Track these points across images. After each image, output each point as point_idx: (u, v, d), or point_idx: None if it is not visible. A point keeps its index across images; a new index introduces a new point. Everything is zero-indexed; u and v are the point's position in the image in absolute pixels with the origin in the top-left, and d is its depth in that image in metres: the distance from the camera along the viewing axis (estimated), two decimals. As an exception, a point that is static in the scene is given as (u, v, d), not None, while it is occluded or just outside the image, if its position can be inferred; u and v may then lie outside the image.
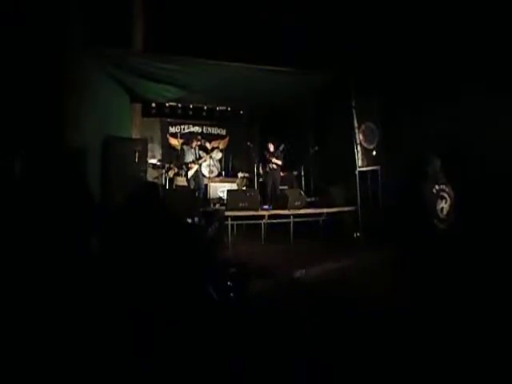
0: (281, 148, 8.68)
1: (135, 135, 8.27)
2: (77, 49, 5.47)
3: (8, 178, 4.38)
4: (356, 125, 7.48)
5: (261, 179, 9.11)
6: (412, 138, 6.32)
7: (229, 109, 10.92)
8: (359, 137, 7.48)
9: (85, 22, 5.66)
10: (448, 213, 3.09)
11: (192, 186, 8.44)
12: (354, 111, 7.45)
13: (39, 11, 4.63)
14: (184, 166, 8.62)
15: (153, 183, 5.50)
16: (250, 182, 9.77)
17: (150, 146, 8.97)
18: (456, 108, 5.89)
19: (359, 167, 7.48)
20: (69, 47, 5.32)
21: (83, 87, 5.67)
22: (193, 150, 8.82)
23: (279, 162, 8.72)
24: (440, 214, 3.08)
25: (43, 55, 4.78)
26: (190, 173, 8.58)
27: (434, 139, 5.78)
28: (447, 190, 3.10)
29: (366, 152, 7.51)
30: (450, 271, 3.34)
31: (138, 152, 6.52)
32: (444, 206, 3.07)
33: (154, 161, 9.08)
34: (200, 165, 8.79)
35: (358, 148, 7.49)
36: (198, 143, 9.13)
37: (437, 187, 3.07)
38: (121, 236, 3.27)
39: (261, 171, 9.01)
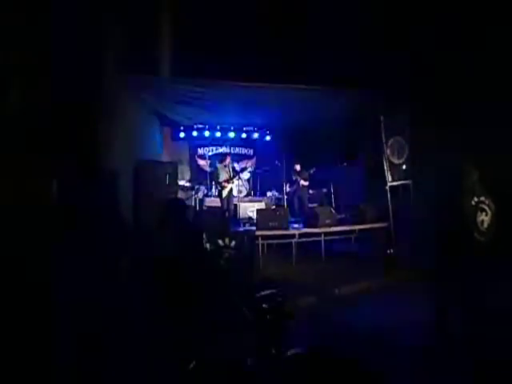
0: (312, 171, 8.66)
1: (165, 158, 8.47)
2: (108, 75, 5.68)
3: (44, 204, 4.50)
4: (384, 140, 7.39)
5: (286, 198, 9.10)
6: (444, 150, 6.17)
7: (256, 129, 11.05)
8: (387, 151, 7.38)
9: (116, 49, 5.88)
10: (489, 225, 2.98)
11: (225, 207, 8.46)
12: (382, 126, 7.38)
13: (77, 37, 4.85)
14: (218, 185, 8.66)
15: (179, 199, 5.55)
16: (278, 200, 9.76)
17: (179, 168, 9.14)
18: (490, 116, 5.74)
19: (389, 182, 7.35)
20: (101, 73, 5.53)
21: (114, 111, 5.86)
22: (227, 169, 8.85)
23: (306, 184, 8.71)
24: (480, 227, 2.97)
25: (76, 80, 4.96)
26: (225, 192, 8.56)
27: (468, 151, 5.62)
28: (487, 202, 3.00)
29: (395, 167, 7.39)
30: (493, 287, 3.20)
31: (169, 175, 6.65)
32: (484, 218, 2.97)
33: (183, 182, 9.22)
34: (233, 183, 8.82)
35: (387, 163, 7.39)
36: (230, 161, 9.19)
37: (476, 199, 2.97)
38: (152, 258, 3.31)
39: (288, 189, 9.01)
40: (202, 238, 3.90)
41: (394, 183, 7.38)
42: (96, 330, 3.10)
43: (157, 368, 2.62)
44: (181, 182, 9.10)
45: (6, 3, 3.98)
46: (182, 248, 3.22)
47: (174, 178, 6.94)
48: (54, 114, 4.62)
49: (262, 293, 3.19)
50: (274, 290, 3.39)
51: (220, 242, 6.37)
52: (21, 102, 4.19)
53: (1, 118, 3.95)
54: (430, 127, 6.86)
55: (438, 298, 3.45)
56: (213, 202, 8.99)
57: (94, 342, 3.01)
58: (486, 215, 2.96)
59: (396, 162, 7.38)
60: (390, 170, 7.38)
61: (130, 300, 3.31)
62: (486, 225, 2.97)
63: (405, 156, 7.39)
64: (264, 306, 2.95)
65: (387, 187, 7.34)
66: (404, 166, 7.37)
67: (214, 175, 9.02)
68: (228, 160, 9.02)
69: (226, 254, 5.78)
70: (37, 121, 4.32)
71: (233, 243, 6.43)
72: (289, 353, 2.43)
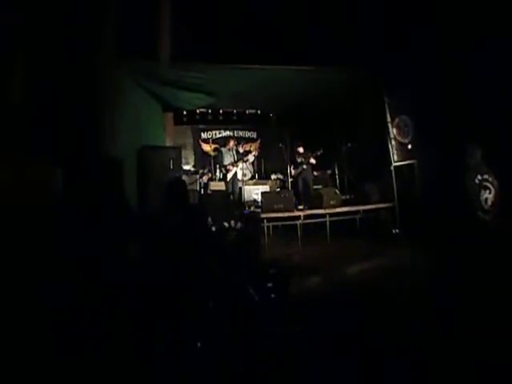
0: (319, 153, 8.62)
1: (169, 143, 8.45)
2: (109, 62, 5.66)
3: (50, 191, 4.54)
4: (389, 119, 7.33)
5: (291, 180, 9.10)
6: (448, 129, 6.09)
7: (258, 112, 11.00)
8: (393, 131, 7.34)
9: (116, 36, 5.84)
10: (493, 203, 2.98)
11: (230, 190, 8.49)
12: (386, 106, 7.31)
13: (76, 26, 4.83)
14: (223, 169, 8.68)
15: (179, 178, 5.57)
16: (282, 183, 9.77)
17: (183, 152, 9.14)
18: (494, 95, 5.65)
19: (394, 162, 7.32)
20: (102, 61, 5.51)
21: (117, 99, 5.86)
22: (231, 152, 8.85)
23: (313, 163, 8.67)
24: (484, 205, 2.97)
25: (78, 69, 4.95)
26: (229, 175, 8.59)
27: (472, 129, 5.54)
28: (490, 179, 2.99)
29: (401, 146, 7.34)
30: (496, 266, 3.21)
31: (173, 160, 6.64)
32: (488, 196, 2.96)
33: (188, 167, 9.24)
34: (237, 167, 8.83)
35: (393, 142, 7.35)
36: (235, 144, 9.18)
37: (479, 177, 2.96)
38: (159, 238, 3.35)
39: (293, 172, 8.99)
40: (206, 218, 3.93)
41: (399, 163, 7.35)
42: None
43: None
44: (185, 167, 9.12)
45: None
46: (185, 228, 3.26)
47: (178, 162, 6.94)
48: (55, 103, 4.62)
49: (267, 272, 3.24)
50: (278, 270, 3.44)
51: (226, 224, 6.43)
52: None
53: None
54: (435, 105, 6.77)
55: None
56: (217, 185, 9.00)
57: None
58: (490, 193, 2.96)
59: (402, 141, 7.33)
60: (396, 150, 7.34)
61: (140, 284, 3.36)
62: (489, 202, 2.97)
63: (410, 135, 7.32)
64: (269, 285, 3.00)
65: (392, 167, 7.32)
66: (409, 146, 7.31)
67: (218, 159, 9.02)
68: (232, 143, 9.00)
69: (232, 236, 5.83)
70: (41, 111, 4.34)
71: (238, 225, 6.49)
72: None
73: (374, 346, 2.73)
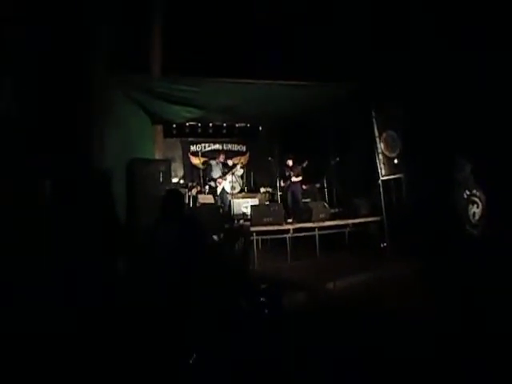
0: (304, 165, 8.69)
1: (158, 156, 8.44)
2: (100, 75, 5.66)
3: (38, 203, 4.49)
4: (377, 134, 7.44)
5: (280, 193, 9.13)
6: (436, 144, 6.19)
7: (248, 125, 11.07)
8: (381, 146, 7.43)
9: (107, 49, 5.86)
10: (480, 218, 3.03)
11: (219, 203, 8.49)
12: (374, 121, 7.42)
13: (68, 38, 4.83)
14: (212, 182, 8.69)
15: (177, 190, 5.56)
16: (272, 196, 9.79)
17: (172, 165, 9.12)
18: (481, 111, 5.77)
19: (382, 176, 7.40)
20: (92, 74, 5.51)
21: (106, 111, 5.84)
22: (219, 166, 8.87)
23: (298, 179, 8.75)
24: (472, 220, 3.03)
25: (68, 81, 4.94)
26: (219, 189, 8.60)
27: (460, 145, 5.63)
28: (478, 194, 3.05)
29: (388, 161, 7.44)
30: (484, 278, 3.25)
31: (162, 172, 6.63)
32: (476, 210, 3.02)
33: (177, 180, 9.21)
34: (226, 180, 8.86)
35: (380, 157, 7.43)
36: (224, 157, 9.22)
37: (467, 192, 3.02)
38: (152, 252, 3.33)
39: (282, 184, 9.04)
40: (202, 230, 3.90)
41: (387, 177, 7.43)
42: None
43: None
44: (174, 180, 9.08)
45: None
46: (183, 239, 3.24)
47: (168, 175, 6.92)
48: (45, 114, 4.60)
49: (259, 287, 3.23)
50: (269, 285, 3.43)
51: (215, 237, 6.40)
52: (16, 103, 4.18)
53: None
54: (423, 120, 6.88)
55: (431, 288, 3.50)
56: (206, 198, 8.98)
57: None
58: (478, 207, 3.01)
59: (389, 155, 7.42)
60: (383, 164, 7.43)
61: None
62: (477, 217, 3.02)
63: (398, 150, 7.43)
64: (262, 299, 2.99)
65: (379, 181, 7.40)
66: (396, 160, 7.41)
67: (206, 172, 9.02)
68: (221, 156, 9.03)
69: (221, 249, 5.81)
70: (31, 122, 4.31)
71: (228, 238, 6.47)
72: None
73: (368, 358, 2.74)
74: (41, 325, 3.05)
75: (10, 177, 3.92)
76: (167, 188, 5.93)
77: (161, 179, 6.58)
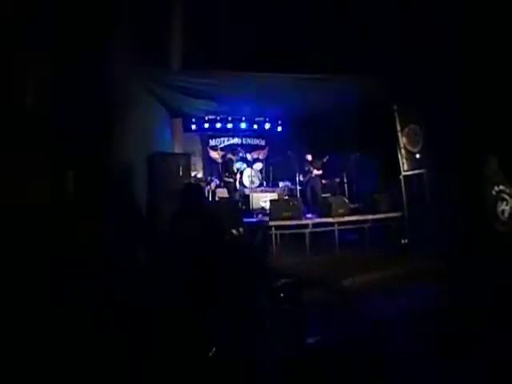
0: (325, 160, 8.62)
1: (177, 150, 8.50)
2: (121, 69, 5.68)
3: (62, 199, 4.55)
4: (399, 128, 7.30)
5: (299, 188, 9.08)
6: (461, 138, 6.01)
7: (267, 119, 11.01)
8: (403, 140, 7.29)
9: (127, 43, 5.87)
10: (510, 215, 2.92)
11: (237, 197, 8.50)
12: (396, 115, 7.28)
13: (89, 33, 4.86)
14: (231, 176, 8.71)
15: (196, 184, 5.56)
16: (291, 191, 9.74)
17: (191, 159, 9.16)
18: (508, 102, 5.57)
19: (404, 171, 7.27)
20: (114, 68, 5.53)
21: (127, 106, 5.88)
22: (239, 160, 8.89)
23: (319, 173, 8.67)
24: (501, 217, 2.91)
25: (91, 76, 4.97)
26: (237, 182, 8.62)
27: (487, 137, 5.43)
28: (508, 190, 2.93)
29: (411, 155, 7.29)
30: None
31: (182, 166, 6.66)
32: (505, 208, 2.90)
33: (196, 174, 9.25)
34: (245, 174, 8.86)
35: (402, 152, 7.30)
36: (243, 152, 9.22)
37: (496, 188, 2.91)
38: (172, 244, 3.34)
39: (302, 179, 8.98)
40: (221, 224, 3.90)
41: (409, 172, 7.29)
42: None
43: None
44: (193, 174, 9.13)
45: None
46: (203, 232, 3.24)
47: (187, 169, 6.95)
48: (67, 111, 4.65)
49: (278, 282, 3.20)
50: (289, 280, 3.40)
51: (234, 231, 6.40)
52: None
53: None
54: (446, 114, 6.70)
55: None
56: (225, 193, 8.99)
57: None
58: (507, 204, 2.90)
59: (412, 150, 7.27)
60: (405, 159, 7.30)
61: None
62: (506, 214, 2.91)
63: (420, 145, 7.27)
64: (281, 295, 2.97)
65: (401, 176, 7.27)
66: (418, 155, 7.25)
67: (226, 166, 9.03)
68: (240, 151, 9.02)
69: (240, 244, 5.80)
70: (57, 118, 4.36)
71: (247, 233, 6.46)
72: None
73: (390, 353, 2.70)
74: (72, 318, 3.09)
75: (35, 172, 3.99)
76: (186, 182, 5.96)
77: (180, 173, 6.62)
